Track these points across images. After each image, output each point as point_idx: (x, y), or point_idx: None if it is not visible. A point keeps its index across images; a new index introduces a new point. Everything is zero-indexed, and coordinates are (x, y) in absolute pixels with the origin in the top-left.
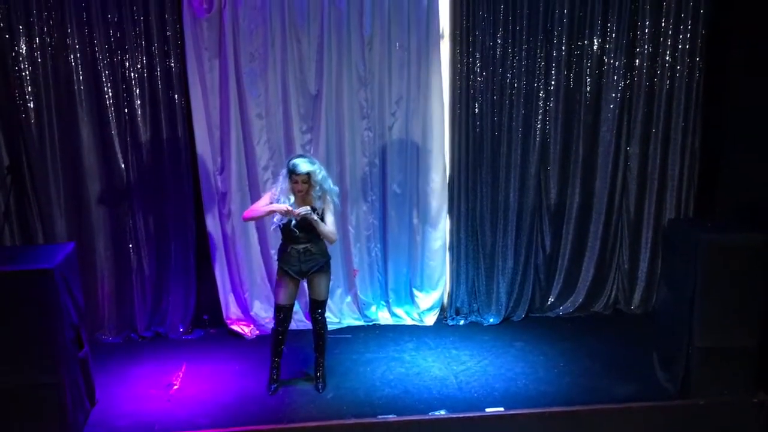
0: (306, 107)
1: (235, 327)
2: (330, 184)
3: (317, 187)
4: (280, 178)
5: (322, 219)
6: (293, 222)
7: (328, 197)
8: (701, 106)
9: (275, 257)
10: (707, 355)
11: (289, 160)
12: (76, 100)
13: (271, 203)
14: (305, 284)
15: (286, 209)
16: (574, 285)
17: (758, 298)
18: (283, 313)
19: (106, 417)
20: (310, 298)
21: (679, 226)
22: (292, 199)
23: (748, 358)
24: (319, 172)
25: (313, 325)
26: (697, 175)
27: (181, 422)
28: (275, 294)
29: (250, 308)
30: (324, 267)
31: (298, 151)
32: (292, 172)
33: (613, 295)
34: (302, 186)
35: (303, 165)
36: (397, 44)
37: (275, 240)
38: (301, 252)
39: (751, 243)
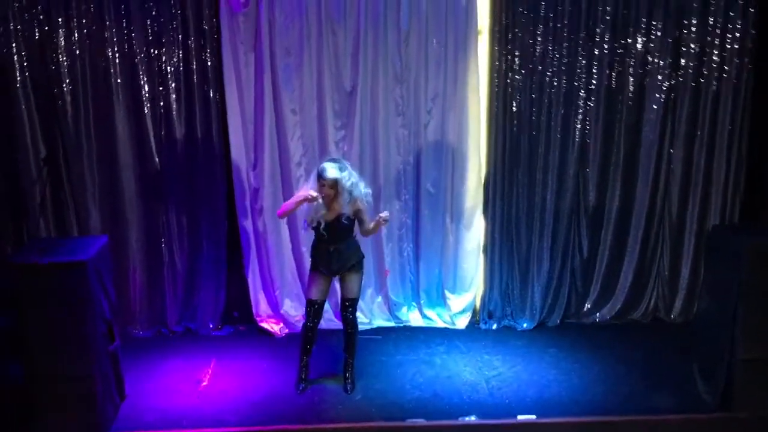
0: (341, 103)
1: (264, 324)
2: (361, 189)
3: (345, 194)
4: (311, 177)
5: (354, 224)
6: (322, 225)
7: (359, 202)
8: (749, 108)
9: (307, 254)
10: (749, 367)
11: (321, 163)
12: (113, 93)
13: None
14: (337, 283)
15: (310, 196)
16: (611, 291)
17: None
18: (313, 308)
19: (135, 411)
20: (341, 297)
21: (723, 232)
22: (320, 200)
23: None
24: (348, 178)
25: (343, 325)
26: (743, 180)
27: (208, 419)
28: (307, 289)
29: (281, 306)
30: (356, 266)
31: (332, 147)
32: (319, 176)
33: (652, 303)
34: (329, 191)
35: (330, 170)
36: (435, 40)
37: (308, 237)
38: (332, 252)
39: None
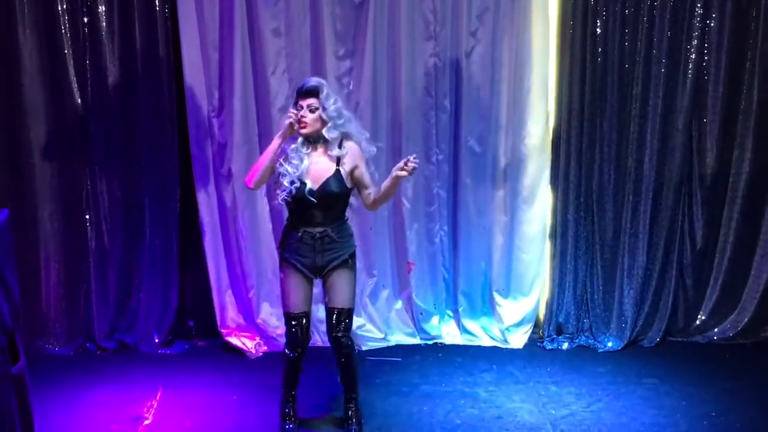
0: (345, 21)
1: (233, 339)
2: (357, 128)
3: (330, 123)
4: (286, 122)
5: (348, 192)
6: (308, 187)
7: (356, 147)
8: None
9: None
10: None
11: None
12: (15, 5)
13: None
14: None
15: (294, 118)
16: (737, 297)
17: None
18: (297, 326)
19: None
20: (327, 308)
21: None
22: (304, 158)
23: None
24: (335, 102)
25: (334, 350)
26: None
27: None
28: (283, 299)
29: (257, 313)
30: (348, 261)
31: (333, 85)
32: (297, 92)
33: (746, 318)
34: (308, 115)
35: (313, 79)
36: None
37: None
38: (317, 238)
39: None
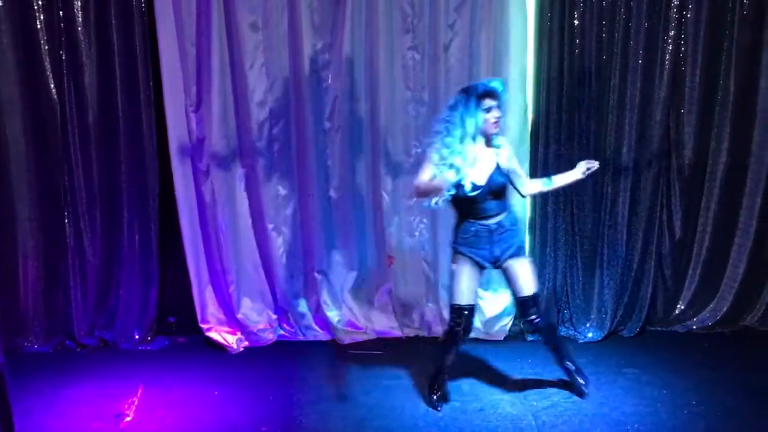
0: (323, 14)
1: (214, 335)
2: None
3: (503, 120)
4: (444, 128)
5: (513, 173)
6: (471, 186)
7: (505, 140)
8: None
9: (275, 232)
10: None
11: (463, 91)
12: None
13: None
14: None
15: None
16: (716, 287)
17: None
18: (464, 319)
19: None
20: (515, 298)
21: None
22: (472, 156)
23: None
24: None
25: (541, 337)
26: None
27: None
28: (453, 292)
29: (237, 309)
30: (522, 248)
31: (311, 79)
32: (485, 95)
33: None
34: (498, 114)
35: (494, 81)
36: None
37: (275, 210)
38: (494, 229)
39: None
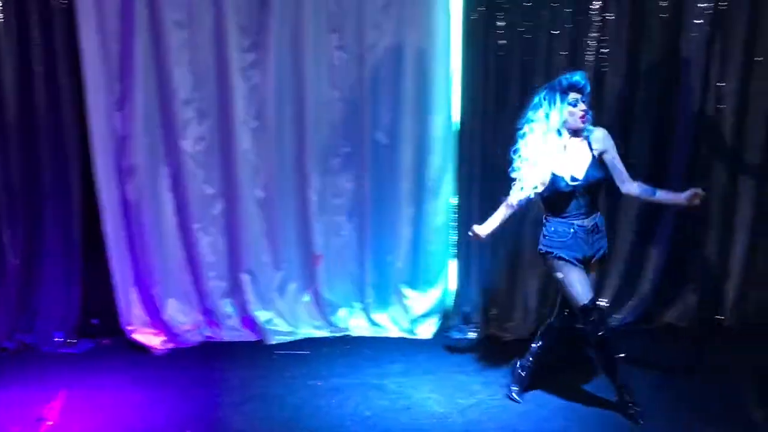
0: (249, 14)
1: (138, 337)
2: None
3: (590, 113)
4: (529, 128)
5: (609, 170)
6: (568, 180)
7: (601, 132)
8: None
9: (203, 231)
10: None
11: (546, 87)
12: None
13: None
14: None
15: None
16: (635, 284)
17: None
18: (596, 314)
19: None
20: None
21: None
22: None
23: None
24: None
25: (591, 343)
26: None
27: None
28: (574, 296)
29: (162, 310)
30: (607, 253)
31: (236, 78)
32: (570, 89)
33: (694, 299)
34: (584, 107)
35: (576, 75)
36: None
37: (201, 209)
38: (590, 229)
39: None
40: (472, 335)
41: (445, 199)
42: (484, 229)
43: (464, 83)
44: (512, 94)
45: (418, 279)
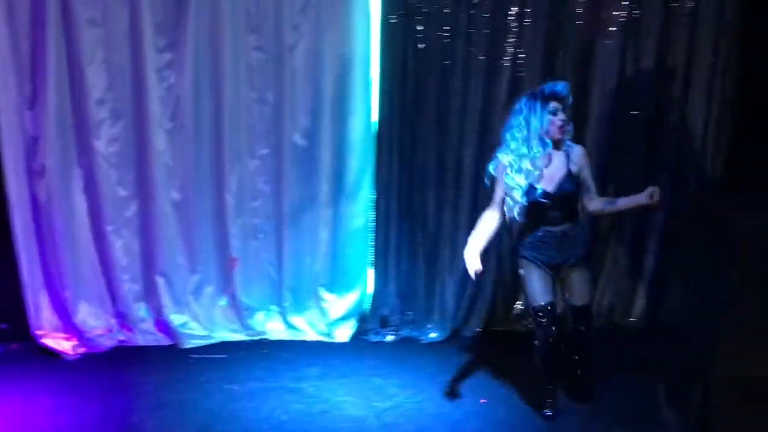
0: (165, 12)
1: (49, 341)
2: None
3: (570, 125)
4: (510, 134)
5: (582, 184)
6: (540, 191)
7: (580, 149)
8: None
9: (115, 234)
10: (738, 388)
11: (527, 94)
12: None
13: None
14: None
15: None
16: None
17: None
18: (547, 316)
19: None
20: (569, 306)
21: (703, 204)
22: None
23: None
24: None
25: (572, 339)
26: (730, 130)
27: None
28: (528, 295)
29: (73, 313)
30: (585, 259)
31: (152, 78)
32: (550, 97)
33: (605, 303)
34: (563, 117)
35: (559, 83)
36: None
37: (114, 211)
38: (559, 237)
39: None
40: (389, 338)
41: (363, 201)
42: (474, 257)
43: (383, 86)
44: (431, 98)
45: (336, 282)
